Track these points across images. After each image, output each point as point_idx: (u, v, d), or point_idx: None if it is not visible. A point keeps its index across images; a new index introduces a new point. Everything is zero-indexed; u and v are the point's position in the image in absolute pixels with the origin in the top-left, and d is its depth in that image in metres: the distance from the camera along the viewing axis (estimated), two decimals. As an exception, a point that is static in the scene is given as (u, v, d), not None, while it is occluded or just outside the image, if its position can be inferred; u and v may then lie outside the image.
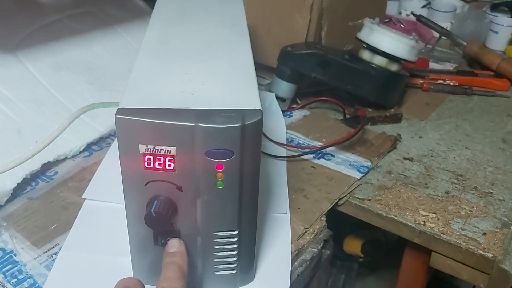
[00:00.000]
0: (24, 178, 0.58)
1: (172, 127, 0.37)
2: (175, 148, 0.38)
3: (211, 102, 0.40)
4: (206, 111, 0.38)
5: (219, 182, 0.39)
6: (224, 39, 0.55)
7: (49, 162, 0.62)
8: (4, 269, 0.48)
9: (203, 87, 0.43)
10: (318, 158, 0.70)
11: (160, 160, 0.39)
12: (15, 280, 0.47)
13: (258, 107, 0.40)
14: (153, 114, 0.38)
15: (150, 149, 0.38)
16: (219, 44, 0.53)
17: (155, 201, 0.40)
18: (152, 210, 0.40)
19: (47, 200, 0.58)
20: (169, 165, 0.39)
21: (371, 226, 0.63)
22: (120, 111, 0.38)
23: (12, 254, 0.50)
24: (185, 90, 0.42)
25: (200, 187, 0.40)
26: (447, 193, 0.65)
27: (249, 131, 0.38)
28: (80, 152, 0.67)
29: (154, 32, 0.55)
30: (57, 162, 0.64)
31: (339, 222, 0.63)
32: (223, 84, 0.44)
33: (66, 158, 0.65)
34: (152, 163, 0.39)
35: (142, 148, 0.38)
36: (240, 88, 0.44)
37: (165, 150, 0.38)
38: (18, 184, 0.57)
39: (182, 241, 0.42)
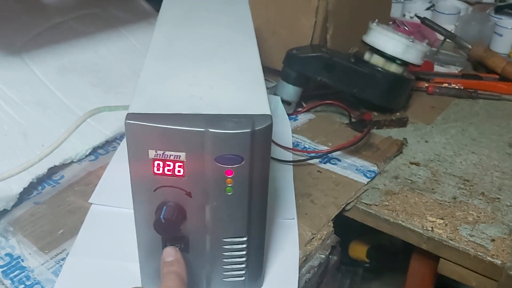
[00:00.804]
0: (30, 183, 0.58)
1: (182, 132, 0.37)
2: (184, 153, 0.38)
3: (220, 107, 0.39)
4: (215, 116, 0.38)
5: (228, 188, 0.39)
6: (231, 42, 0.54)
7: (55, 166, 0.62)
8: (11, 275, 0.48)
9: (212, 91, 0.43)
10: (325, 163, 0.70)
11: (169, 165, 0.39)
12: (23, 286, 0.47)
13: (268, 112, 0.39)
14: (162, 119, 0.37)
15: (160, 154, 0.38)
16: (226, 47, 0.53)
17: (164, 207, 0.40)
18: (161, 216, 0.39)
19: (54, 204, 0.58)
20: (179, 171, 0.39)
21: (377, 230, 0.63)
22: (130, 116, 0.38)
23: (19, 260, 0.50)
24: (194, 94, 0.42)
25: (209, 193, 0.40)
26: (455, 198, 0.65)
27: (259, 136, 0.38)
28: (86, 156, 0.66)
29: (161, 34, 0.55)
30: (63, 166, 0.64)
31: (344, 227, 0.63)
32: (232, 88, 0.44)
33: (72, 162, 0.65)
34: (161, 169, 0.39)
35: (152, 153, 0.38)
36: (248, 92, 0.43)
37: (175, 155, 0.38)
38: (24, 189, 0.57)
39: (177, 248, 0.41)
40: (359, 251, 0.94)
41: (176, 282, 0.38)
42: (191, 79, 0.44)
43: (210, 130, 0.37)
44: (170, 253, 0.41)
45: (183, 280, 0.39)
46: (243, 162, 0.38)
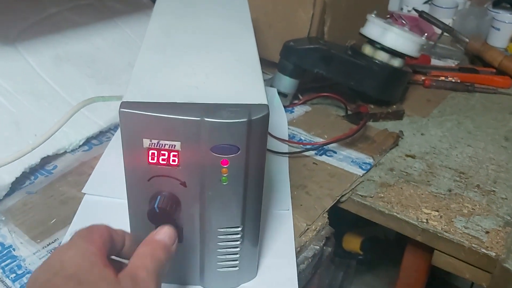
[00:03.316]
0: (23, 172, 0.58)
1: (177, 121, 0.37)
2: (179, 143, 0.38)
3: (216, 96, 0.39)
4: (212, 105, 0.38)
5: (224, 178, 0.39)
6: (228, 32, 0.54)
7: (48, 156, 0.61)
8: (3, 264, 0.47)
9: (208, 80, 0.42)
10: (320, 155, 0.70)
11: (164, 155, 0.38)
12: (14, 275, 0.46)
13: (265, 102, 0.39)
14: (157, 108, 0.37)
15: (154, 143, 0.38)
16: (223, 37, 0.52)
17: (159, 197, 0.39)
18: (155, 206, 0.39)
19: (46, 194, 0.57)
20: (173, 160, 0.38)
21: (370, 223, 0.63)
22: (124, 104, 0.37)
23: (11, 249, 0.49)
24: (189, 84, 0.41)
25: (204, 183, 0.39)
26: (450, 191, 0.65)
27: (256, 126, 0.37)
28: (80, 146, 0.66)
29: (157, 24, 0.54)
30: (56, 156, 0.63)
31: (338, 219, 0.63)
32: (228, 78, 0.43)
33: (65, 152, 0.64)
34: (156, 158, 0.38)
35: (146, 142, 0.38)
36: (245, 82, 0.43)
37: (170, 145, 0.38)
38: (17, 178, 0.57)
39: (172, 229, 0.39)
40: (352, 243, 0.94)
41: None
42: (187, 69, 0.44)
43: (206, 119, 0.36)
44: (171, 236, 0.38)
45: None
46: (239, 152, 0.38)
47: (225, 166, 0.38)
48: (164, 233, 0.37)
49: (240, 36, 0.53)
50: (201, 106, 0.37)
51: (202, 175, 0.39)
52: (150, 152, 0.38)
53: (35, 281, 0.30)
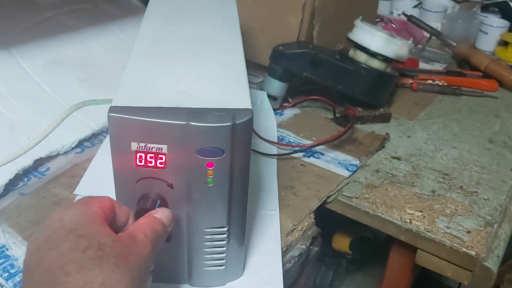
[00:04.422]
0: (16, 174, 0.59)
1: (164, 125, 0.38)
2: (166, 146, 0.39)
3: (202, 101, 0.41)
4: (197, 110, 0.39)
5: (209, 179, 0.40)
6: (217, 39, 0.55)
7: (41, 158, 0.62)
8: (-4, 263, 0.49)
9: (195, 86, 0.44)
10: (308, 157, 0.72)
11: (151, 157, 0.40)
12: (7, 274, 0.48)
13: (249, 106, 0.41)
14: (145, 113, 0.38)
15: (142, 147, 0.39)
16: (212, 44, 0.54)
17: (147, 198, 0.41)
18: (143, 207, 0.40)
19: (39, 195, 0.59)
20: (161, 163, 0.40)
21: (360, 223, 0.64)
22: (113, 109, 0.38)
23: (4, 249, 0.50)
24: (177, 89, 0.43)
25: (190, 184, 0.41)
26: (433, 192, 0.66)
27: (240, 130, 0.39)
28: (72, 148, 0.67)
29: (147, 31, 0.56)
30: (49, 158, 0.64)
31: (328, 219, 0.65)
32: (215, 84, 0.45)
33: (58, 155, 0.66)
34: (143, 161, 0.40)
35: (134, 145, 0.39)
36: (231, 87, 0.45)
37: (157, 148, 0.39)
38: (10, 180, 0.58)
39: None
40: (342, 243, 0.96)
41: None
42: (175, 74, 0.45)
43: (192, 123, 0.38)
44: (168, 218, 0.40)
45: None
46: (224, 155, 0.39)
47: (211, 168, 0.40)
48: (162, 213, 0.40)
49: (228, 43, 0.54)
50: (187, 110, 0.39)
51: (188, 177, 0.40)
52: (138, 155, 0.39)
53: (36, 240, 0.33)
